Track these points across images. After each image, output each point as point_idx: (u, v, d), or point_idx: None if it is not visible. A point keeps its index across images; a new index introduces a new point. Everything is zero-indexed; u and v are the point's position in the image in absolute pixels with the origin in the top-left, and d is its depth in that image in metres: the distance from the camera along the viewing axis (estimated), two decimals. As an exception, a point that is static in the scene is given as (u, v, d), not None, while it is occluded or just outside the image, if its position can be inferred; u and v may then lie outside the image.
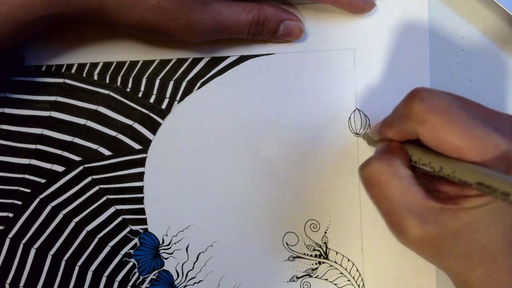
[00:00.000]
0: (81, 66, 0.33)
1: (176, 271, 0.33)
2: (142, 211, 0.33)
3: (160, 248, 0.33)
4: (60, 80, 0.33)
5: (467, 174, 0.21)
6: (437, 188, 0.24)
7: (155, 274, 0.33)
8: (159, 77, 0.33)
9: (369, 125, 0.32)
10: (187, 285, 0.33)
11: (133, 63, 0.33)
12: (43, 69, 0.33)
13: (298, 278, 0.33)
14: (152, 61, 0.33)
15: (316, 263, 0.33)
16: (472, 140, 0.21)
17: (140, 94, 0.33)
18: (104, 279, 0.33)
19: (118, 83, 0.33)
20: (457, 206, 0.22)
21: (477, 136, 0.21)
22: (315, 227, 0.33)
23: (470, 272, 0.24)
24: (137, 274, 0.33)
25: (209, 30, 0.29)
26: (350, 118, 0.32)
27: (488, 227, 0.23)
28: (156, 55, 0.33)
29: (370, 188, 0.25)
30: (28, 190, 0.33)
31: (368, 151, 0.32)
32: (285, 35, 0.32)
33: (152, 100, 0.33)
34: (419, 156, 0.25)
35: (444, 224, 0.23)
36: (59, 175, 0.33)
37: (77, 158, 0.33)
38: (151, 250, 0.33)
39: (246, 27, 0.30)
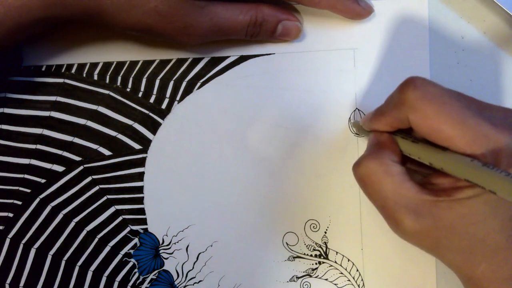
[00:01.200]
0: (81, 66, 0.33)
1: (176, 271, 0.33)
2: (142, 211, 0.33)
3: (160, 248, 0.33)
4: (60, 80, 0.33)
5: (455, 169, 0.21)
6: (430, 181, 0.25)
7: (155, 274, 0.33)
8: (159, 77, 0.33)
9: (369, 125, 0.32)
10: (187, 285, 0.33)
11: (133, 63, 0.33)
12: (43, 69, 0.33)
13: (298, 278, 0.33)
14: (152, 61, 0.33)
15: (316, 263, 0.33)
16: (463, 129, 0.22)
17: (140, 94, 0.33)
18: (104, 279, 0.33)
19: (118, 83, 0.33)
20: (450, 197, 0.23)
21: (468, 126, 0.22)
22: (315, 227, 0.33)
23: (474, 267, 0.23)
24: (137, 274, 0.33)
25: (206, 32, 0.29)
26: (350, 118, 0.32)
27: (486, 220, 0.23)
28: (156, 55, 0.33)
29: (364, 187, 0.25)
30: (28, 190, 0.33)
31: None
32: (283, 35, 0.32)
33: (152, 100, 0.33)
34: (409, 151, 0.25)
35: (439, 217, 0.23)
36: (59, 175, 0.33)
37: (77, 158, 0.33)
38: (151, 250, 0.33)
39: (244, 29, 0.30)
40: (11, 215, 0.33)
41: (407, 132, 0.26)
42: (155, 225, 0.33)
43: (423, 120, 0.23)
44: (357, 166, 0.25)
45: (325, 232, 0.33)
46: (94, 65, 0.33)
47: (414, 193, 0.23)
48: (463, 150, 0.22)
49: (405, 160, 0.26)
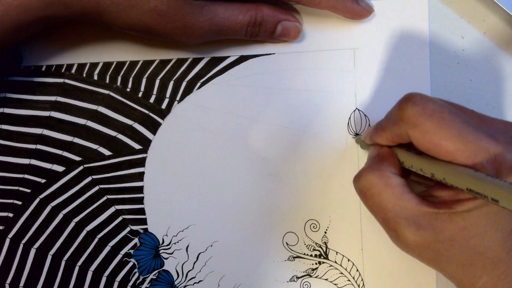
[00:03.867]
0: (81, 66, 0.33)
1: (176, 271, 0.33)
2: (142, 211, 0.33)
3: (160, 248, 0.33)
4: (60, 80, 0.33)
5: (457, 180, 0.21)
6: (431, 193, 0.25)
7: (155, 274, 0.33)
8: (159, 77, 0.33)
9: (369, 125, 0.32)
10: (187, 285, 0.33)
11: (133, 63, 0.33)
12: (43, 69, 0.33)
13: (298, 278, 0.33)
14: (152, 61, 0.33)
15: (316, 263, 0.33)
16: (464, 143, 0.22)
17: (140, 94, 0.33)
18: (104, 279, 0.33)
19: (118, 83, 0.33)
20: (451, 210, 0.23)
21: (468, 140, 0.22)
22: (315, 227, 0.33)
23: (475, 280, 0.23)
24: (137, 274, 0.33)
25: (206, 32, 0.29)
26: (350, 118, 0.32)
27: (486, 233, 0.22)
28: (156, 55, 0.33)
29: (365, 199, 0.25)
30: (28, 190, 0.33)
31: (367, 152, 0.32)
32: (282, 36, 0.32)
33: (152, 100, 0.33)
34: (410, 163, 0.25)
35: (439, 229, 0.23)
36: (59, 175, 0.33)
37: (77, 158, 0.33)
38: (151, 250, 0.33)
39: (243, 29, 0.30)
40: (11, 215, 0.33)
41: (408, 147, 0.26)
42: (155, 225, 0.33)
43: (423, 136, 0.23)
44: (357, 179, 0.26)
45: (325, 232, 0.33)
46: (94, 65, 0.33)
47: (414, 205, 0.23)
48: (464, 164, 0.22)
49: (405, 173, 0.26)
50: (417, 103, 0.23)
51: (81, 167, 0.33)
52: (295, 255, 0.33)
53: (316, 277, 0.33)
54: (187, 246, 0.33)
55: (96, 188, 0.33)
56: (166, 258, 0.33)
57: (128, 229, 0.33)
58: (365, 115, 0.32)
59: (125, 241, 0.33)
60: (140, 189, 0.33)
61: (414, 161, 0.25)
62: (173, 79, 0.33)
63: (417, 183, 0.29)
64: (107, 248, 0.33)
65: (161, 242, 0.33)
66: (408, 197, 0.24)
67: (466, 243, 0.23)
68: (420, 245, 0.23)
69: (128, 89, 0.33)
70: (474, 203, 0.22)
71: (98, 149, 0.33)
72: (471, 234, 0.23)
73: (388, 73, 0.32)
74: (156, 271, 0.33)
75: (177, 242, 0.33)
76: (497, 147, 0.22)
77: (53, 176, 0.33)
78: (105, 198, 0.33)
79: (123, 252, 0.33)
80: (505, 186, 0.19)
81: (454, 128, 0.22)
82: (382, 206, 0.24)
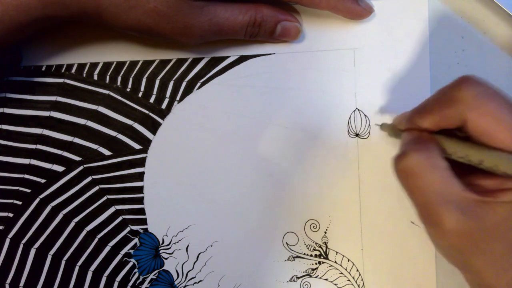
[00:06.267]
0: (81, 66, 0.33)
1: (176, 271, 0.33)
2: (142, 211, 0.33)
3: (160, 248, 0.33)
4: (60, 80, 0.33)
5: (509, 166, 0.21)
6: (472, 182, 0.24)
7: (155, 274, 0.33)
8: (159, 77, 0.33)
9: (369, 125, 0.32)
10: (187, 285, 0.33)
11: (133, 63, 0.33)
12: (43, 69, 0.33)
13: (298, 278, 0.33)
14: (152, 61, 0.33)
15: (316, 263, 0.33)
16: None
17: (140, 94, 0.33)
18: (104, 279, 0.33)
19: (118, 83, 0.33)
20: (496, 199, 0.22)
21: None
22: (315, 227, 0.33)
23: (501, 273, 0.23)
24: (137, 274, 0.33)
25: (206, 32, 0.29)
26: (350, 118, 0.32)
27: None
28: (156, 55, 0.33)
29: (406, 180, 0.24)
30: (28, 190, 0.33)
31: (367, 151, 0.32)
32: (282, 36, 0.32)
33: (152, 100, 0.33)
34: (454, 148, 0.24)
35: (482, 218, 0.22)
36: (59, 175, 0.33)
37: (77, 158, 0.33)
38: (151, 250, 0.33)
39: (243, 29, 0.30)
40: (11, 215, 0.33)
41: (449, 134, 0.25)
42: (155, 225, 0.33)
43: (483, 118, 0.22)
44: (401, 158, 0.24)
45: (325, 232, 0.33)
46: (94, 65, 0.33)
47: (460, 191, 0.23)
48: None
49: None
50: (476, 84, 0.22)
51: (81, 167, 0.33)
52: (295, 255, 0.33)
53: (316, 277, 0.33)
54: (187, 246, 0.33)
55: (96, 188, 0.33)
56: (166, 258, 0.33)
57: (128, 229, 0.33)
58: (365, 115, 0.32)
59: (125, 241, 0.33)
60: (140, 189, 0.33)
61: (459, 147, 0.24)
62: (173, 79, 0.33)
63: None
64: (107, 248, 0.33)
65: (161, 242, 0.33)
66: (454, 181, 0.23)
67: (504, 235, 0.22)
68: (459, 232, 0.22)
69: (128, 89, 0.33)
70: None
71: (98, 149, 0.33)
72: (511, 226, 0.22)
73: (388, 73, 0.32)
74: (156, 271, 0.33)
75: (177, 242, 0.33)
76: None
77: (53, 176, 0.33)
78: (105, 198, 0.33)
79: (123, 252, 0.33)
80: None
81: None
82: (426, 189, 0.23)
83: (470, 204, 0.22)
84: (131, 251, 0.33)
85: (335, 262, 0.33)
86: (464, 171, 0.25)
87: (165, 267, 0.33)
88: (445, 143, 0.24)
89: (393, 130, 0.30)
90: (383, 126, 0.31)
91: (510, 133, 0.21)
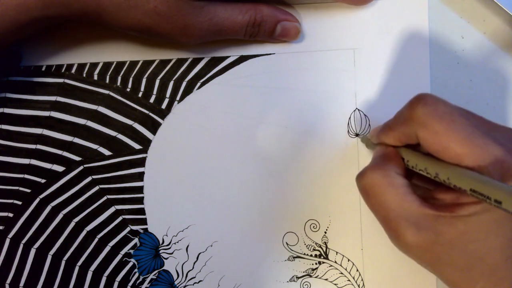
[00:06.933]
0: (81, 66, 0.33)
1: (176, 271, 0.33)
2: (142, 211, 0.33)
3: (160, 248, 0.33)
4: (60, 80, 0.33)
5: (461, 180, 0.21)
6: (433, 196, 0.25)
7: (155, 274, 0.33)
8: (159, 77, 0.33)
9: (369, 125, 0.32)
10: (187, 285, 0.33)
11: (133, 63, 0.33)
12: (43, 69, 0.33)
13: (298, 278, 0.33)
14: (152, 61, 0.33)
15: (316, 263, 0.33)
16: (471, 147, 0.22)
17: (140, 94, 0.33)
18: (104, 279, 0.33)
19: (118, 83, 0.33)
20: (452, 214, 0.23)
21: (476, 144, 0.22)
22: (315, 227, 0.33)
23: (471, 284, 0.23)
24: (137, 274, 0.33)
25: (205, 32, 0.29)
26: (350, 118, 0.32)
27: (487, 238, 0.22)
28: (156, 55, 0.33)
29: (367, 197, 0.25)
30: (28, 190, 0.33)
31: (367, 151, 0.32)
32: (282, 36, 0.32)
33: (152, 100, 0.33)
34: (415, 162, 0.25)
35: (440, 232, 0.23)
36: (59, 175, 0.33)
37: (77, 158, 0.33)
38: (151, 250, 0.33)
39: (243, 29, 0.30)
40: (11, 215, 0.33)
41: (414, 148, 0.26)
42: (155, 225, 0.33)
43: (432, 137, 0.23)
44: (360, 177, 0.26)
45: (325, 232, 0.33)
46: (94, 65, 0.33)
47: (416, 206, 0.23)
48: (470, 167, 0.22)
49: (408, 175, 0.26)
50: (428, 104, 0.23)
51: (81, 167, 0.33)
52: (295, 255, 0.33)
53: (316, 277, 0.33)
54: (187, 246, 0.33)
55: (96, 188, 0.33)
56: (166, 258, 0.33)
57: (128, 229, 0.33)
58: (365, 115, 0.32)
59: (125, 241, 0.33)
60: (140, 189, 0.33)
61: (419, 160, 0.25)
62: (173, 79, 0.33)
63: (418, 186, 0.29)
64: (107, 248, 0.33)
65: (161, 242, 0.33)
66: (410, 198, 0.24)
67: (465, 248, 0.23)
68: (419, 246, 0.23)
69: (128, 89, 0.33)
70: (476, 208, 0.22)
71: (98, 149, 0.33)
72: (471, 238, 0.23)
73: (388, 73, 0.32)
74: (156, 271, 0.33)
75: (177, 242, 0.33)
76: (503, 153, 0.22)
77: (53, 176, 0.33)
78: (105, 198, 0.33)
79: (123, 252, 0.33)
80: (509, 189, 0.19)
81: (463, 131, 0.22)
82: (384, 206, 0.24)
83: (426, 219, 0.23)
84: (131, 251, 0.33)
85: (335, 262, 0.33)
86: (433, 185, 0.26)
87: (165, 267, 0.33)
88: (409, 156, 0.26)
89: (369, 143, 0.31)
90: (362, 139, 0.32)
91: (459, 149, 0.22)
